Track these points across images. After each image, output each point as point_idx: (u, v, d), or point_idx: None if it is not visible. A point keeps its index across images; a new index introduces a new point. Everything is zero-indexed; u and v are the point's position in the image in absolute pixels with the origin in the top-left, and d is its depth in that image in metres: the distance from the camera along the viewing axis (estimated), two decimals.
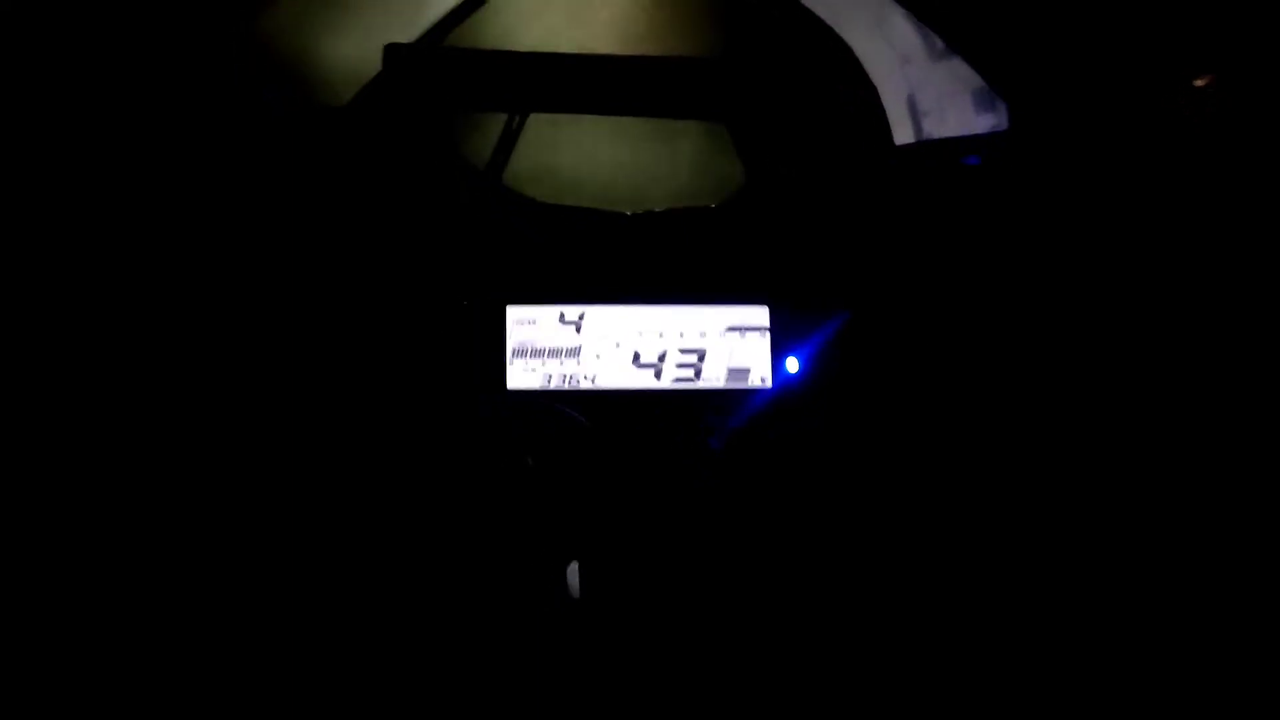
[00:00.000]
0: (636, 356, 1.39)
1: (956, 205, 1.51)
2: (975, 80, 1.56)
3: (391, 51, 1.42)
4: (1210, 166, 1.49)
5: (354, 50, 1.48)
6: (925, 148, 1.56)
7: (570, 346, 1.38)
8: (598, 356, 1.38)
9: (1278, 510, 1.38)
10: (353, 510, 1.34)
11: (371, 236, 1.38)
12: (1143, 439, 1.41)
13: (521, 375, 1.36)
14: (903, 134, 1.67)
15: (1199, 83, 1.47)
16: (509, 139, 1.44)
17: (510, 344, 1.36)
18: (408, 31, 1.50)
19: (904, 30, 1.63)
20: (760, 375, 1.41)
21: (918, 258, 1.48)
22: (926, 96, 1.69)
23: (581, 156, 1.52)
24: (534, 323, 1.37)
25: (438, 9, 1.52)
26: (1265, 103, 1.42)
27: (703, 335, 1.40)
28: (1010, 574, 1.41)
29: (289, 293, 1.35)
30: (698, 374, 1.40)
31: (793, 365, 1.41)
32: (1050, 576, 1.40)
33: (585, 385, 1.37)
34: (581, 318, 1.38)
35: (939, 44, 1.59)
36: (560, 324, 1.38)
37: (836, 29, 1.67)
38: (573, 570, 1.30)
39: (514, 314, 1.37)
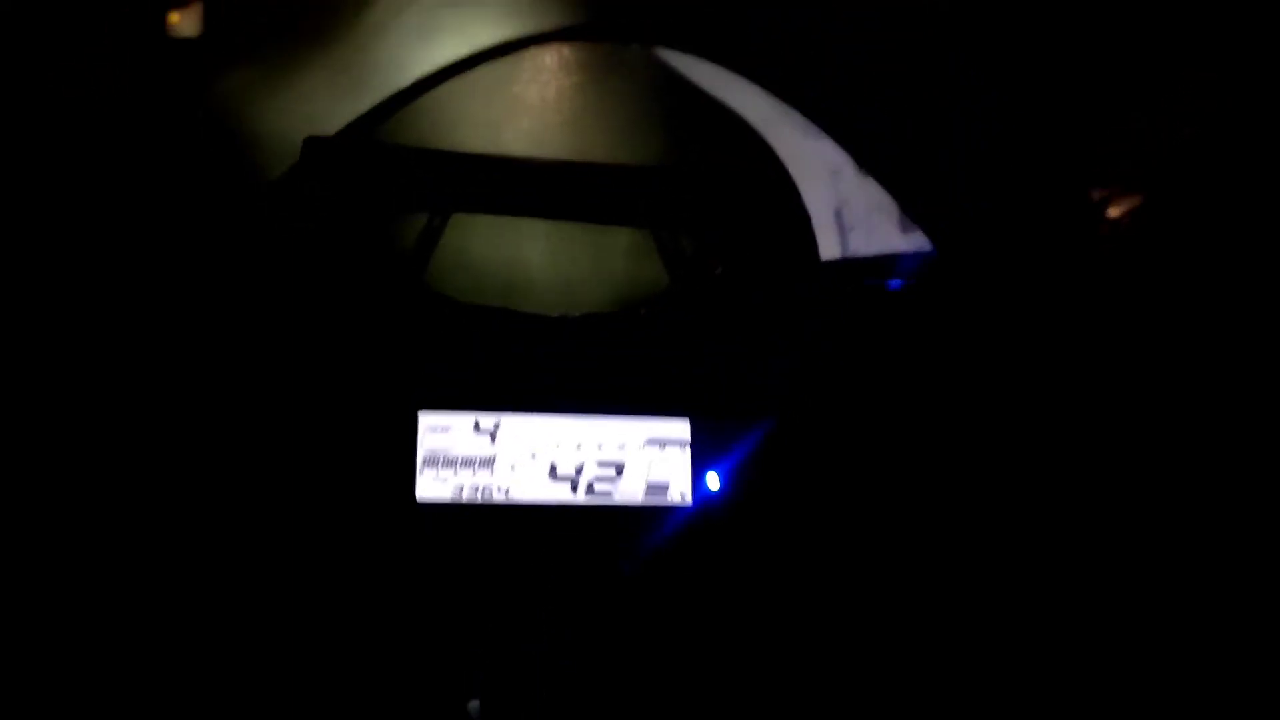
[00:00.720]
0: (553, 469, 1.34)
1: (878, 323, 1.51)
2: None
3: (310, 144, 1.37)
4: (1122, 277, 1.52)
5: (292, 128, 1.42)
6: (849, 265, 1.57)
7: (484, 456, 1.33)
8: (513, 468, 1.33)
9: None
10: (257, 627, 1.25)
11: (280, 325, 1.32)
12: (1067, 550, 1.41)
13: (432, 485, 1.30)
14: (828, 248, 1.68)
15: (1097, 196, 1.52)
16: (430, 237, 1.40)
17: (421, 452, 1.30)
18: (340, 117, 1.45)
19: (832, 143, 1.64)
20: (680, 491, 1.37)
21: (840, 373, 1.47)
22: (853, 211, 1.70)
23: (504, 257, 1.49)
24: (447, 430, 1.32)
25: (371, 99, 1.48)
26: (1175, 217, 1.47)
27: (621, 448, 1.36)
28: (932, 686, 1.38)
29: (182, 380, 1.28)
30: (615, 489, 1.35)
31: (713, 481, 1.38)
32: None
33: (498, 498, 1.32)
34: (497, 426, 1.33)
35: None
36: (475, 432, 1.33)
37: (766, 137, 1.68)
38: (474, 707, 1.23)
39: (426, 420, 1.31)
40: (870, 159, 1.56)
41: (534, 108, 1.50)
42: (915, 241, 1.56)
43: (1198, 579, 1.37)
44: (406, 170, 1.40)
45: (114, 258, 1.27)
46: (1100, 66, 1.46)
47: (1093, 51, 1.45)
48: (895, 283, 1.54)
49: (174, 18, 1.28)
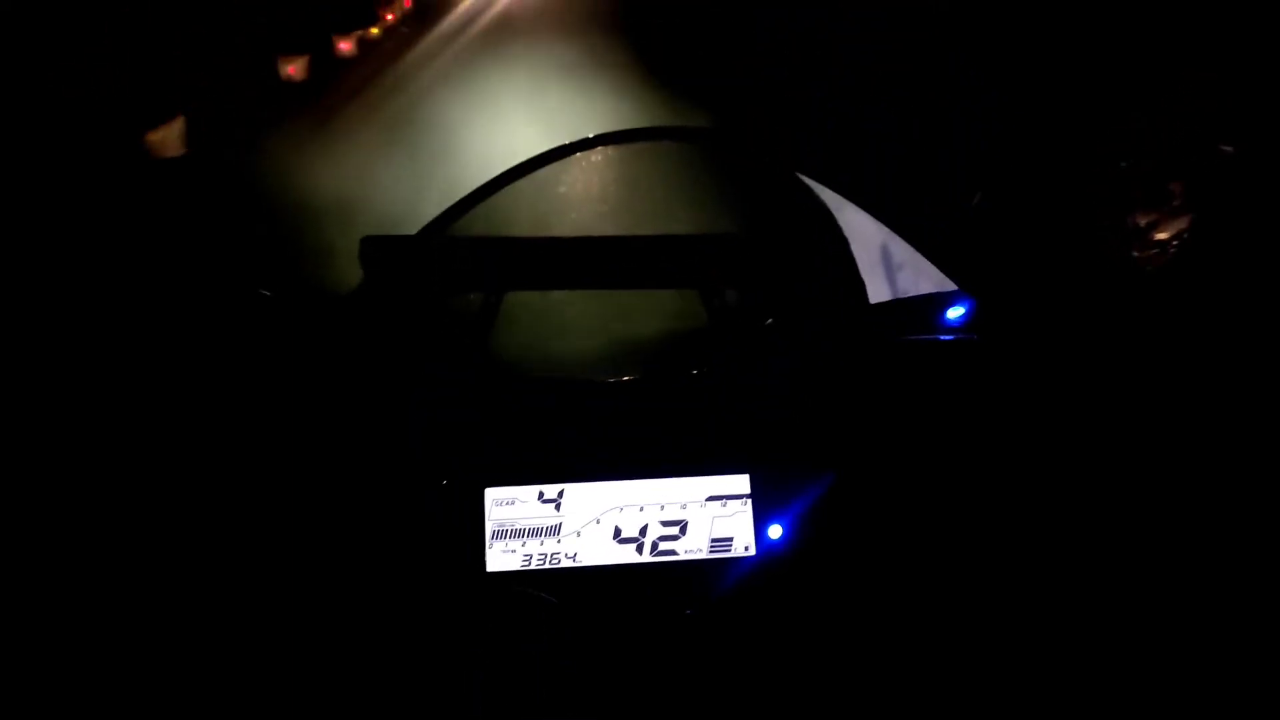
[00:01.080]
0: (617, 531, 1.39)
1: (932, 368, 1.51)
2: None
3: (367, 244, 1.49)
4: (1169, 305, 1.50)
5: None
6: (898, 310, 1.58)
7: (550, 525, 1.38)
8: (578, 534, 1.38)
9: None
10: (336, 698, 1.32)
11: (350, 417, 1.41)
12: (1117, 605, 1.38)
13: (501, 557, 1.36)
14: (878, 290, 1.69)
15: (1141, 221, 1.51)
16: (486, 316, 1.49)
17: (489, 525, 1.37)
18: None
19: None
20: (744, 544, 1.39)
21: (895, 420, 1.47)
22: (901, 248, 1.72)
23: (558, 330, 1.56)
24: (513, 503, 1.38)
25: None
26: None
27: (683, 507, 1.40)
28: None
29: (269, 474, 1.38)
30: (679, 546, 1.38)
31: (776, 532, 1.40)
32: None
33: (565, 564, 1.37)
34: (561, 495, 1.39)
35: None
36: (539, 502, 1.39)
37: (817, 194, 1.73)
38: None
39: (492, 495, 1.38)
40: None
41: (578, 200, 1.61)
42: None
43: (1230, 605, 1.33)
44: (460, 257, 1.50)
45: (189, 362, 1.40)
46: (1099, 68, 1.46)
47: (1091, 54, 1.46)
48: (945, 336, 1.55)
49: (154, 137, 1.38)
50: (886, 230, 1.57)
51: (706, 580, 1.37)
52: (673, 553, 1.38)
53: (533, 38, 1.83)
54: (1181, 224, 1.57)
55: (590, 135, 1.61)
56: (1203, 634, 1.35)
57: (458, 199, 1.53)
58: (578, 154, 1.60)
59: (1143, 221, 1.59)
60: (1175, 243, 1.57)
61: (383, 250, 1.52)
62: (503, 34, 1.81)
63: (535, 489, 1.38)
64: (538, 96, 1.78)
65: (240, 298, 1.47)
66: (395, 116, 1.79)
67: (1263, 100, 1.41)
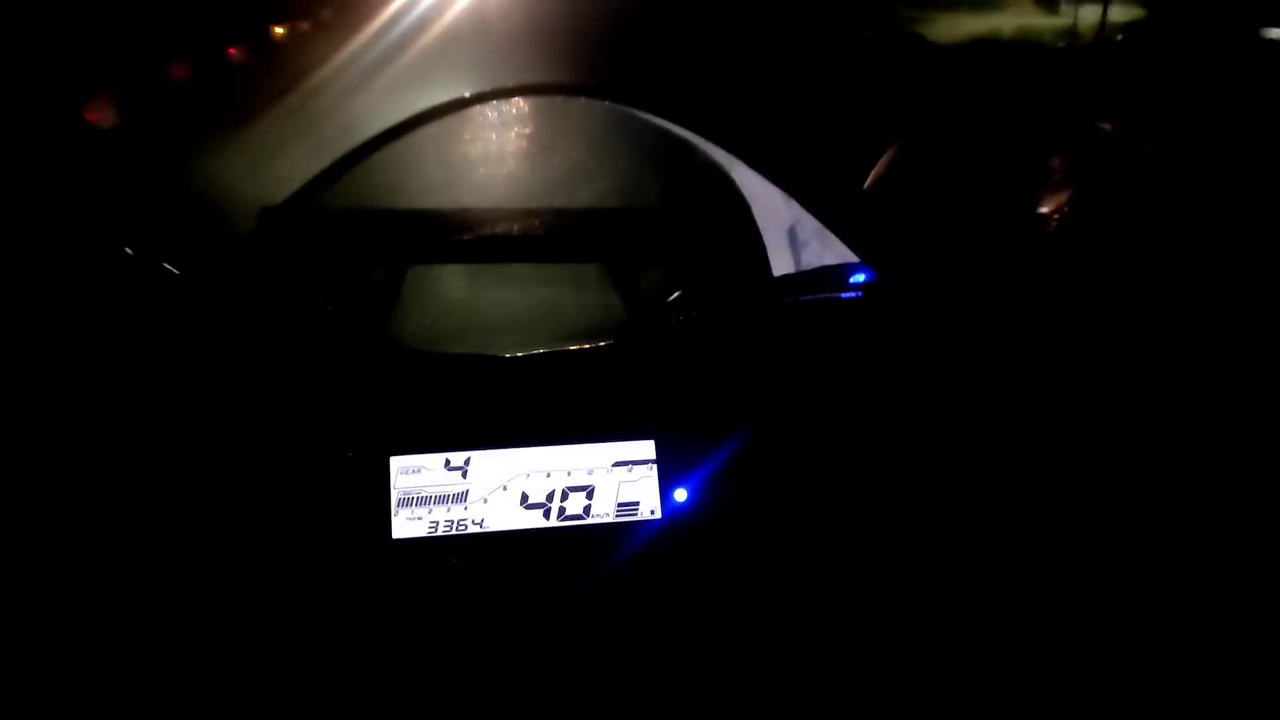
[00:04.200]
0: (524, 497, 1.40)
1: (836, 334, 1.56)
2: None
3: (265, 214, 1.47)
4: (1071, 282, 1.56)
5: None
6: (801, 279, 1.63)
7: (457, 492, 1.38)
8: (485, 500, 1.39)
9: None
10: (233, 671, 1.31)
11: (252, 391, 1.39)
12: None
13: (407, 524, 1.36)
14: (782, 263, 1.74)
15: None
16: (389, 291, 1.48)
17: (395, 493, 1.37)
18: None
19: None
20: (649, 508, 1.42)
21: (799, 385, 1.51)
22: (806, 227, 1.76)
23: (462, 304, 1.57)
24: (419, 471, 1.38)
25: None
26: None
27: (590, 473, 1.42)
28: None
29: (165, 449, 1.35)
30: (586, 511, 1.40)
31: (680, 496, 1.42)
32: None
33: (473, 529, 1.37)
34: (467, 462, 1.39)
35: None
36: (446, 470, 1.39)
37: (718, 167, 1.76)
38: None
39: (398, 463, 1.38)
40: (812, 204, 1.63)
41: (481, 161, 1.60)
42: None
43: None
44: (360, 230, 1.50)
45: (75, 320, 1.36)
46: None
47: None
48: (847, 294, 1.59)
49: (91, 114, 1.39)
50: (782, 193, 1.60)
51: (613, 543, 1.39)
52: (580, 517, 1.40)
53: (458, 43, 1.80)
54: (1061, 198, 1.65)
55: (470, 93, 1.57)
56: (1162, 629, 1.39)
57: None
58: (471, 111, 1.57)
59: (1026, 196, 1.66)
60: (1055, 216, 1.64)
61: (282, 222, 1.51)
62: (425, 38, 1.78)
63: (441, 456, 1.39)
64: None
65: (140, 273, 1.44)
66: (314, 112, 1.74)
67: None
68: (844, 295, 1.55)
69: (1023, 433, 1.50)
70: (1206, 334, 1.50)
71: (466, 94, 1.55)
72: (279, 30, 1.79)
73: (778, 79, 1.77)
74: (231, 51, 1.75)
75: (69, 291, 1.40)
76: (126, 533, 1.32)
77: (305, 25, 1.81)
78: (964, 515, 1.47)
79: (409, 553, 1.34)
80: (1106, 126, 1.68)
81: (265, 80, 1.70)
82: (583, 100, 1.62)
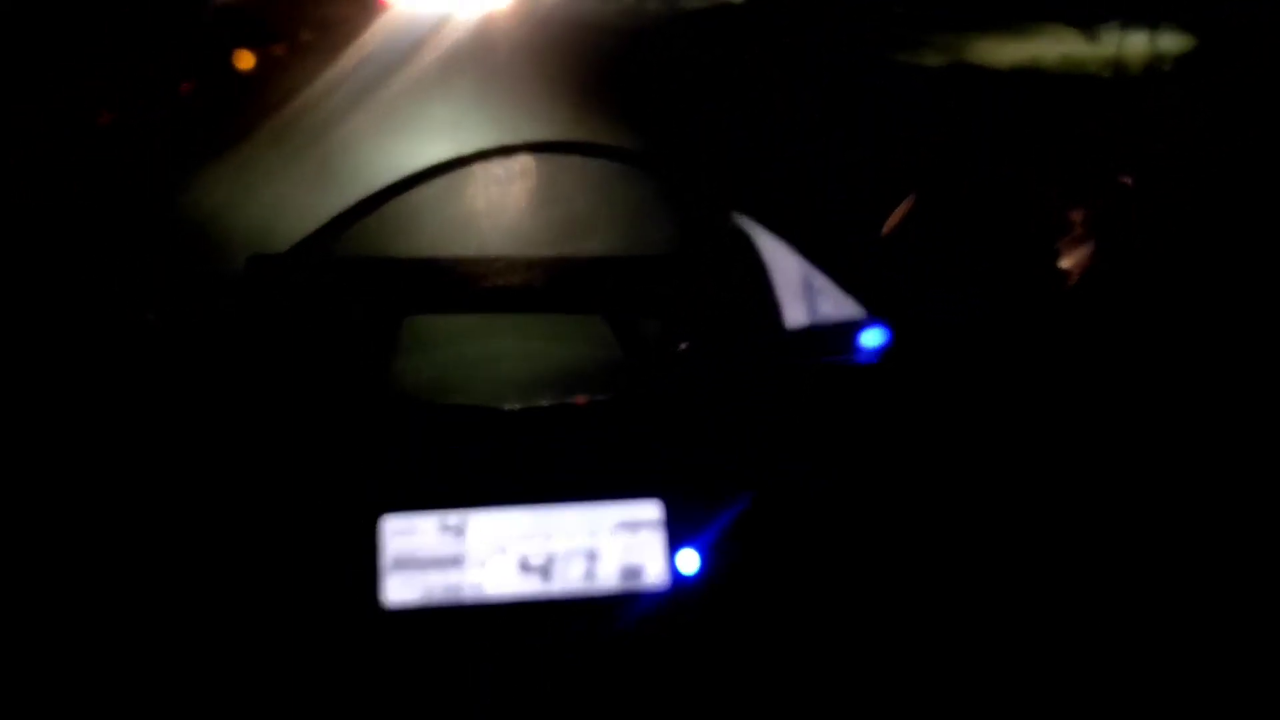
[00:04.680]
0: (524, 561, 1.32)
1: (851, 390, 1.50)
2: None
3: (253, 263, 1.41)
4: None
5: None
6: (815, 336, 1.57)
7: (453, 555, 1.31)
8: (483, 564, 1.31)
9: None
10: None
11: (240, 443, 1.32)
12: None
13: (400, 590, 1.28)
14: (795, 315, 1.68)
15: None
16: (384, 342, 1.42)
17: (388, 556, 1.29)
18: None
19: None
20: (655, 573, 1.34)
21: (814, 444, 1.45)
22: (821, 278, 1.71)
23: (460, 355, 1.50)
24: (413, 532, 1.30)
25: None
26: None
27: (593, 534, 1.34)
28: None
29: (155, 504, 1.28)
30: (589, 577, 1.32)
31: (689, 560, 1.35)
32: None
33: (469, 596, 1.29)
34: (464, 524, 1.32)
35: None
36: (441, 532, 1.31)
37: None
38: None
39: (391, 524, 1.30)
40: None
41: (481, 214, 1.55)
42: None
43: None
44: (355, 278, 1.43)
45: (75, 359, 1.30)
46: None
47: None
48: (862, 356, 1.53)
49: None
50: (798, 255, 1.55)
51: (616, 612, 1.31)
52: (582, 583, 1.32)
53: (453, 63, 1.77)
54: (1084, 252, 1.60)
55: (488, 147, 1.54)
56: (1164, 629, 1.34)
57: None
58: (477, 166, 1.53)
59: (1045, 250, 1.61)
60: (1077, 271, 1.60)
61: (271, 271, 1.44)
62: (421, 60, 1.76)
63: (437, 517, 1.31)
64: (454, 121, 1.73)
65: (127, 321, 1.38)
66: (301, 136, 1.71)
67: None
68: (860, 358, 1.49)
69: (1039, 462, 1.44)
70: (1216, 329, 1.46)
71: (461, 155, 1.51)
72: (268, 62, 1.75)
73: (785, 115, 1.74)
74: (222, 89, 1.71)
75: (59, 337, 1.35)
76: (105, 592, 1.25)
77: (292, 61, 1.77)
78: (983, 574, 1.40)
79: (401, 622, 1.26)
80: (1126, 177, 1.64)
81: (256, 120, 1.65)
82: (583, 158, 1.58)
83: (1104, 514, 1.40)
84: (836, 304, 1.61)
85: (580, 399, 1.42)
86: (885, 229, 1.59)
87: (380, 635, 1.25)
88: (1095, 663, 1.32)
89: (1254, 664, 1.31)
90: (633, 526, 1.35)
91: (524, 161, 1.65)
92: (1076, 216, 1.64)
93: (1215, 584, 1.36)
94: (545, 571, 1.32)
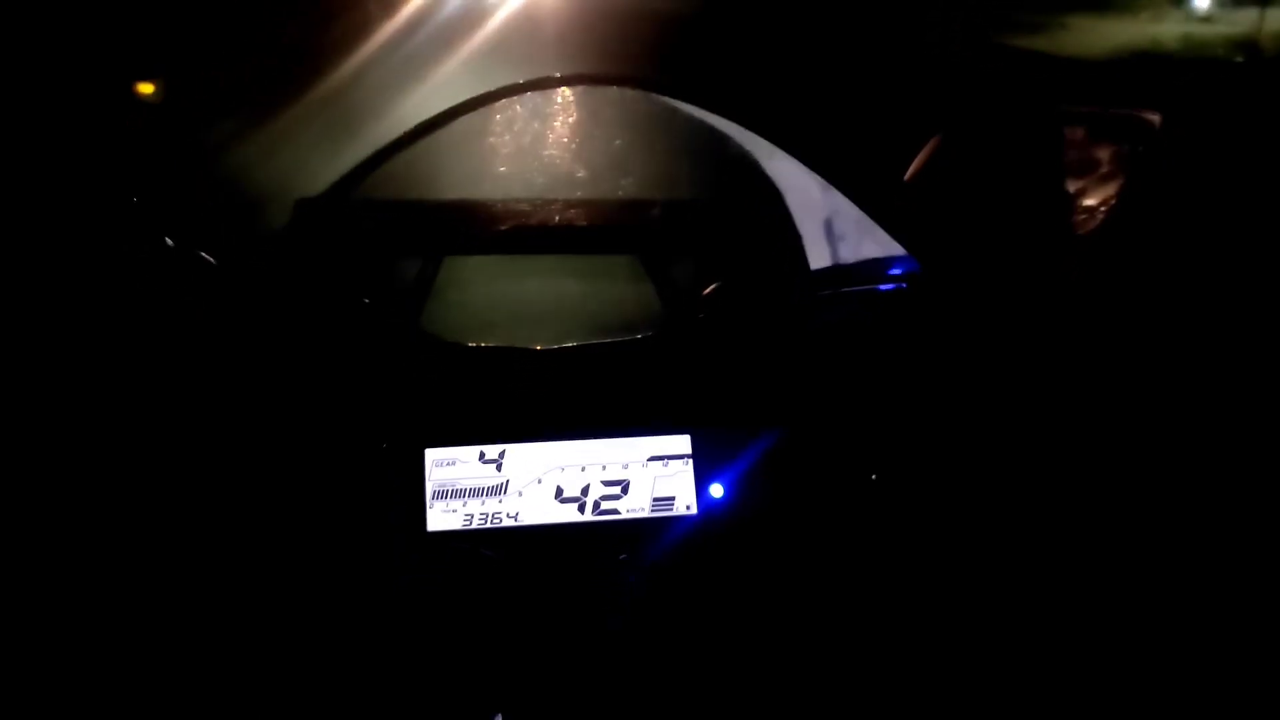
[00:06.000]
0: (559, 491, 1.39)
1: (874, 329, 1.54)
2: None
3: (301, 205, 1.47)
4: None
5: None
6: (839, 271, 1.61)
7: (492, 485, 1.38)
8: (520, 494, 1.38)
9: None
10: (279, 662, 1.31)
11: (285, 382, 1.39)
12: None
13: (442, 517, 1.36)
14: (819, 256, 1.72)
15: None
16: (424, 282, 1.48)
17: (430, 486, 1.36)
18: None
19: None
20: (685, 503, 1.41)
21: (837, 381, 1.49)
22: (844, 220, 1.74)
23: (497, 296, 1.56)
24: (454, 463, 1.38)
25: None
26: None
27: (625, 467, 1.40)
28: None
29: (200, 440, 1.35)
30: (621, 505, 1.39)
31: (717, 491, 1.41)
32: None
33: (507, 523, 1.37)
34: (502, 455, 1.39)
35: None
36: (480, 463, 1.38)
37: (755, 157, 1.73)
38: None
39: (433, 455, 1.37)
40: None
41: (515, 153, 1.59)
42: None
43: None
44: (396, 221, 1.49)
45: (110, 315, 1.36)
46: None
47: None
48: (885, 286, 1.57)
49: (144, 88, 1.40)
50: (821, 183, 1.58)
51: (647, 539, 1.38)
52: (615, 511, 1.39)
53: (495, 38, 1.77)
54: (1110, 191, 1.61)
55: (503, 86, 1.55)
56: (1165, 630, 1.38)
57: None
58: (504, 104, 1.55)
59: (1072, 189, 1.63)
60: (1103, 209, 1.61)
61: (318, 213, 1.50)
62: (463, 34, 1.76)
63: (476, 449, 1.38)
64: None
65: (179, 262, 1.44)
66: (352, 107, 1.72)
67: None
68: (883, 287, 1.53)
69: (1060, 423, 1.47)
70: (1220, 332, 1.47)
71: (499, 86, 1.53)
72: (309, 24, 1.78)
73: (819, 71, 1.74)
74: (264, 43, 1.75)
75: (108, 280, 1.41)
76: (162, 524, 1.33)
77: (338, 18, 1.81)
78: (1000, 512, 1.45)
79: (444, 545, 1.33)
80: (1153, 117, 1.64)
81: (299, 70, 1.69)
82: (618, 91, 1.61)
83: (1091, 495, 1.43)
84: (861, 243, 1.65)
85: (611, 339, 1.47)
86: (911, 171, 1.61)
87: (425, 558, 1.33)
88: (1086, 653, 1.37)
89: (1254, 663, 1.34)
90: (663, 459, 1.41)
91: (555, 98, 1.67)
92: (1104, 155, 1.65)
93: (1203, 585, 1.39)
94: (579, 499, 1.38)
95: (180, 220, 1.50)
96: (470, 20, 1.66)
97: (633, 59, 1.59)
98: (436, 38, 1.65)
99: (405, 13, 1.66)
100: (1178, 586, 1.39)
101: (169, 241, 1.41)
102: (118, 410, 1.33)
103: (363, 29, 1.67)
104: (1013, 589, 1.41)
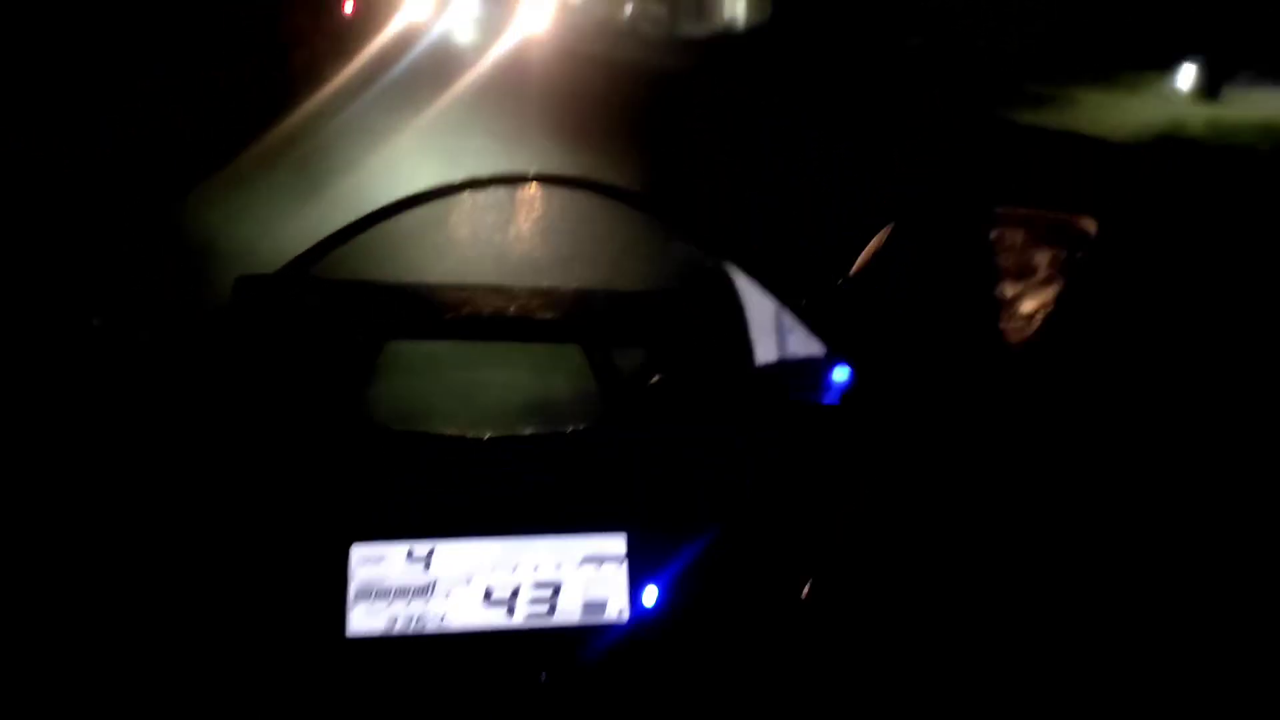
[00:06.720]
0: (489, 593, 1.35)
1: (812, 437, 1.52)
2: None
3: (241, 283, 1.44)
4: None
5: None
6: (783, 374, 1.59)
7: (419, 585, 1.33)
8: (448, 595, 1.34)
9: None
10: None
11: (205, 464, 1.35)
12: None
13: (365, 619, 1.31)
14: (765, 352, 1.70)
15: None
16: (363, 366, 1.44)
17: (354, 585, 1.31)
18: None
19: None
20: (618, 608, 1.37)
21: (778, 482, 1.48)
22: (788, 322, 1.73)
23: (436, 383, 1.53)
24: (380, 560, 1.33)
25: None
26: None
27: (558, 567, 1.37)
28: None
29: (122, 520, 1.30)
30: (552, 609, 1.35)
31: (651, 596, 1.38)
32: None
33: (432, 627, 1.32)
34: (431, 553, 1.35)
35: None
36: (408, 561, 1.34)
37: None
38: None
39: (359, 552, 1.33)
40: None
41: (465, 243, 1.57)
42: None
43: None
44: (338, 302, 1.46)
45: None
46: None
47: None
48: (829, 398, 1.56)
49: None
50: (768, 294, 1.58)
51: (577, 646, 1.34)
52: (544, 616, 1.35)
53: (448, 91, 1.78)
54: (1047, 296, 1.63)
55: (465, 179, 1.55)
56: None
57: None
58: (458, 196, 1.55)
59: (1009, 293, 1.64)
60: (1040, 315, 1.62)
61: (257, 291, 1.47)
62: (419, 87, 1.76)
63: (405, 546, 1.34)
64: (448, 154, 1.73)
65: (119, 337, 1.40)
66: (297, 163, 1.72)
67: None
68: (824, 400, 1.52)
69: (991, 538, 1.47)
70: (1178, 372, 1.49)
71: (453, 182, 1.53)
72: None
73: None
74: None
75: (38, 358, 1.37)
76: (67, 613, 1.27)
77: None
78: (938, 614, 1.43)
79: (364, 652, 1.28)
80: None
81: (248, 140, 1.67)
82: (570, 190, 1.61)
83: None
84: (804, 344, 1.64)
85: (550, 430, 1.45)
86: (855, 267, 1.62)
87: (343, 665, 1.28)
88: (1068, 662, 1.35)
89: (1254, 662, 1.33)
90: (597, 560, 1.38)
91: (515, 192, 1.67)
92: (1041, 260, 1.66)
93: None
94: (508, 602, 1.34)
95: (113, 296, 1.46)
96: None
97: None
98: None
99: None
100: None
101: (95, 322, 1.36)
102: (24, 499, 1.28)
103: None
104: (955, 688, 1.39)
